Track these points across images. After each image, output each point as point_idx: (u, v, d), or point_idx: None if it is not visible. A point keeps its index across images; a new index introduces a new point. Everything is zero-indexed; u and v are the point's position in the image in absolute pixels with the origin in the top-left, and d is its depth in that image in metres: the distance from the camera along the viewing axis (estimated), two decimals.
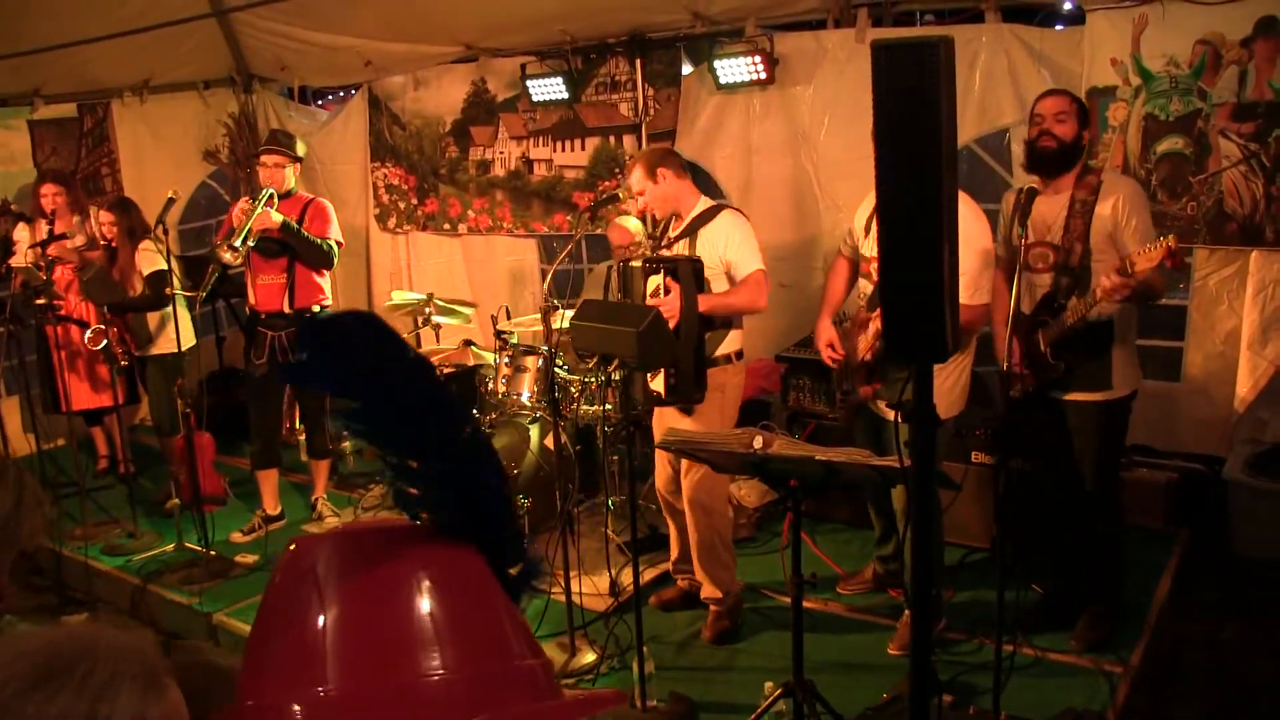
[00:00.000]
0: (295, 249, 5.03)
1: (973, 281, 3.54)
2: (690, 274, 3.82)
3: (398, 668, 0.91)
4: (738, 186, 5.83)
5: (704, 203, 4.07)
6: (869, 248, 3.80)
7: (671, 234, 4.13)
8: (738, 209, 4.11)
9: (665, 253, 4.06)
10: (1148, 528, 4.55)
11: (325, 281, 5.25)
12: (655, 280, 3.84)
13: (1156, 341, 4.86)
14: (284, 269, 5.10)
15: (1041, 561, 4.10)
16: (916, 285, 1.73)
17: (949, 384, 3.72)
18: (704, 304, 3.82)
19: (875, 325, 3.74)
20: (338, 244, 5.16)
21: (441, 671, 0.91)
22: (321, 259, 5.09)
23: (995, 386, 3.71)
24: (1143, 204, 3.61)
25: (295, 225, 4.98)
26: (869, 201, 3.93)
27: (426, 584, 0.96)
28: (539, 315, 4.01)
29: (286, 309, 5.11)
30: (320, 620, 0.93)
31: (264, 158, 5.11)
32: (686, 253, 3.98)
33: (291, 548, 1.01)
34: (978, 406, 3.92)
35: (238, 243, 4.81)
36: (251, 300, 5.23)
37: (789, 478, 2.95)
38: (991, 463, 4.50)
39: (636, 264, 3.93)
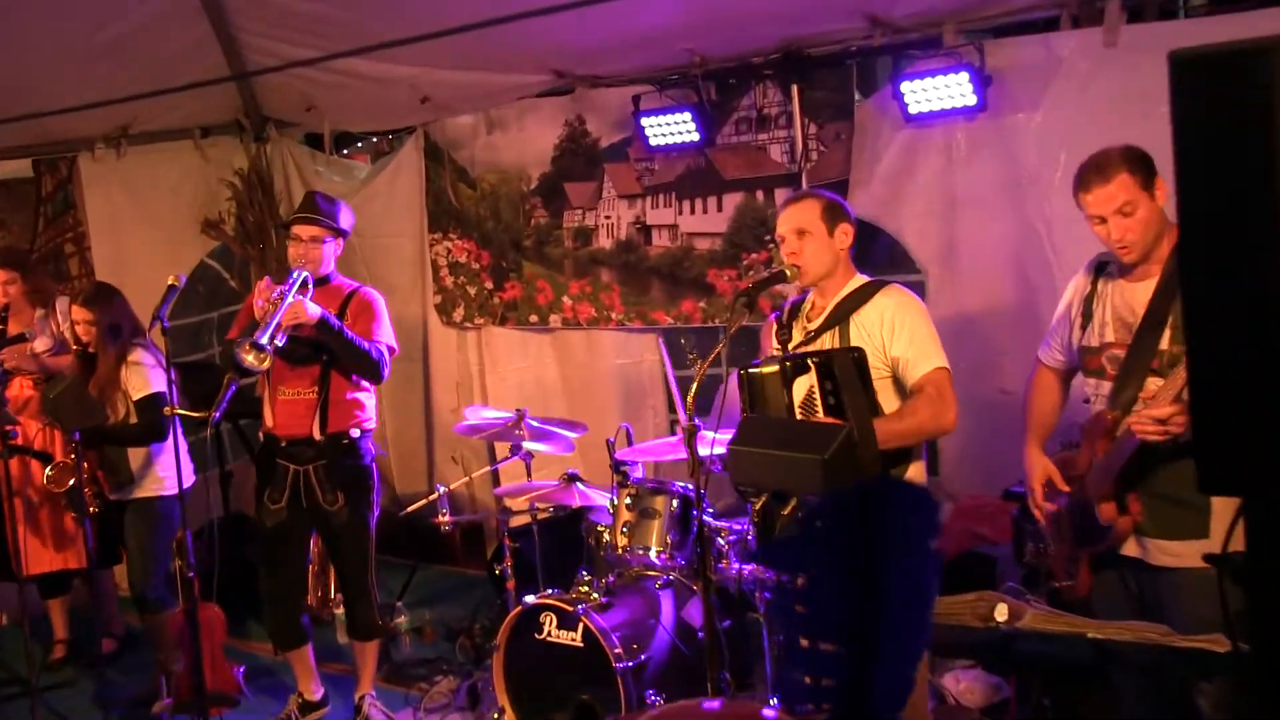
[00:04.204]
0: (334, 354, 5.14)
1: None
2: (852, 369, 3.86)
3: None
4: (936, 255, 5.86)
5: (856, 280, 4.15)
6: (1098, 334, 3.84)
7: (809, 323, 4.18)
8: (904, 288, 4.15)
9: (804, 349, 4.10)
10: None
11: (369, 397, 5.39)
12: (805, 382, 3.85)
13: None
14: (315, 380, 5.22)
15: None
16: (1246, 379, 1.73)
17: None
18: (880, 436, 3.84)
19: (1123, 425, 3.69)
20: (390, 350, 5.28)
21: None
22: (370, 369, 5.18)
23: None
24: None
25: (338, 323, 5.08)
26: (1080, 278, 4.00)
27: None
28: (678, 438, 4.06)
29: (316, 434, 5.20)
30: None
31: (297, 229, 5.23)
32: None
33: None
34: None
35: (264, 340, 4.81)
36: (268, 422, 5.34)
37: (1044, 663, 2.92)
38: None
39: (770, 369, 3.96)
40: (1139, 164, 3.63)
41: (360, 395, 5.34)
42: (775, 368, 3.93)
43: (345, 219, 5.38)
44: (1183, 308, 1.87)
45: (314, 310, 4.99)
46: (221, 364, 5.22)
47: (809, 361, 3.88)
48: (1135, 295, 3.74)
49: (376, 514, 5.46)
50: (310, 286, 5.15)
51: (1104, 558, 3.89)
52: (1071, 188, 3.76)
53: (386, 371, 5.27)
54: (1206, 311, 1.82)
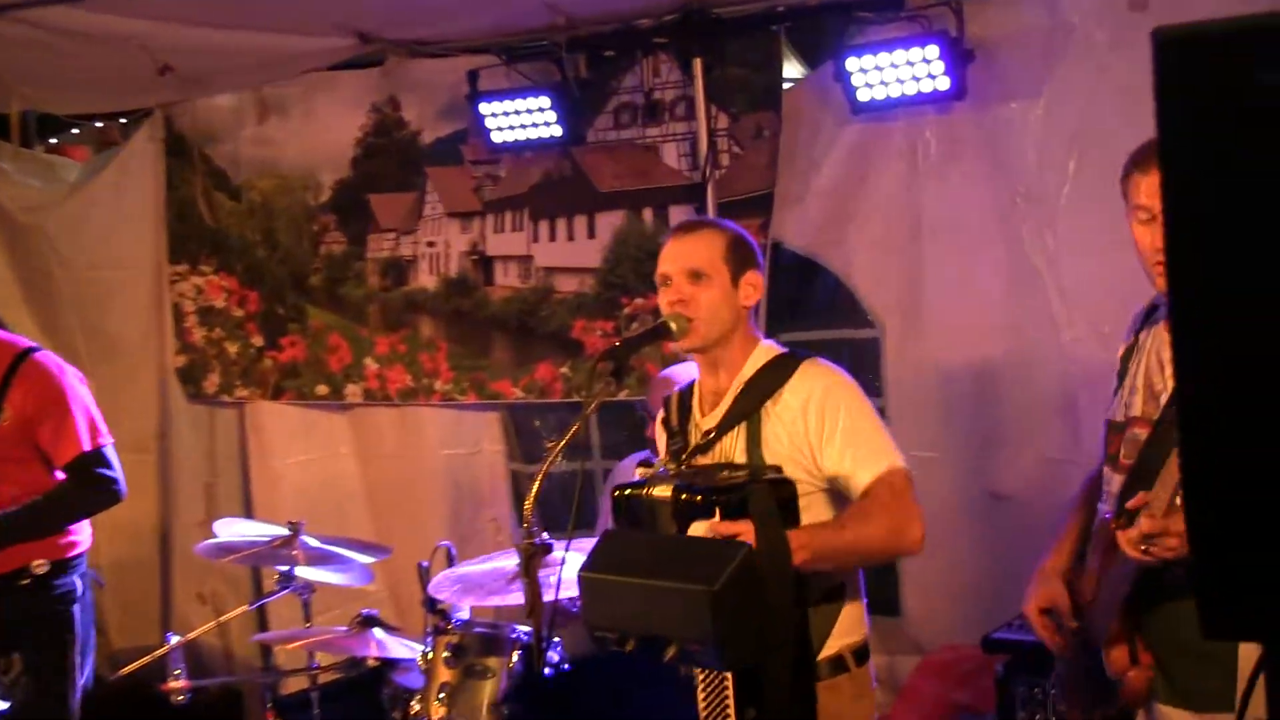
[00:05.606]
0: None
1: None
2: (772, 508, 3.75)
3: None
4: (896, 302, 5.95)
5: (763, 351, 4.13)
6: (1123, 407, 3.83)
7: (700, 419, 4.16)
8: (830, 365, 4.14)
9: (703, 460, 4.05)
10: None
11: None
12: (702, 528, 3.74)
13: None
14: None
15: None
16: (1263, 476, 1.76)
17: None
18: (806, 545, 3.72)
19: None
20: (110, 443, 5.31)
21: None
22: (103, 509, 5.34)
23: None
24: None
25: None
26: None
27: None
28: (518, 563, 4.05)
29: None
30: None
31: None
32: (745, 460, 4.00)
33: None
34: None
35: None
36: None
37: None
38: None
39: (661, 491, 3.87)
40: None
41: None
42: (668, 491, 3.83)
43: None
44: (1175, 372, 1.89)
45: None
46: None
47: (713, 502, 3.72)
48: (1170, 353, 3.71)
49: (81, 681, 5.38)
50: None
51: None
52: (1122, 171, 3.69)
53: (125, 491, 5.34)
54: (1204, 377, 1.85)
